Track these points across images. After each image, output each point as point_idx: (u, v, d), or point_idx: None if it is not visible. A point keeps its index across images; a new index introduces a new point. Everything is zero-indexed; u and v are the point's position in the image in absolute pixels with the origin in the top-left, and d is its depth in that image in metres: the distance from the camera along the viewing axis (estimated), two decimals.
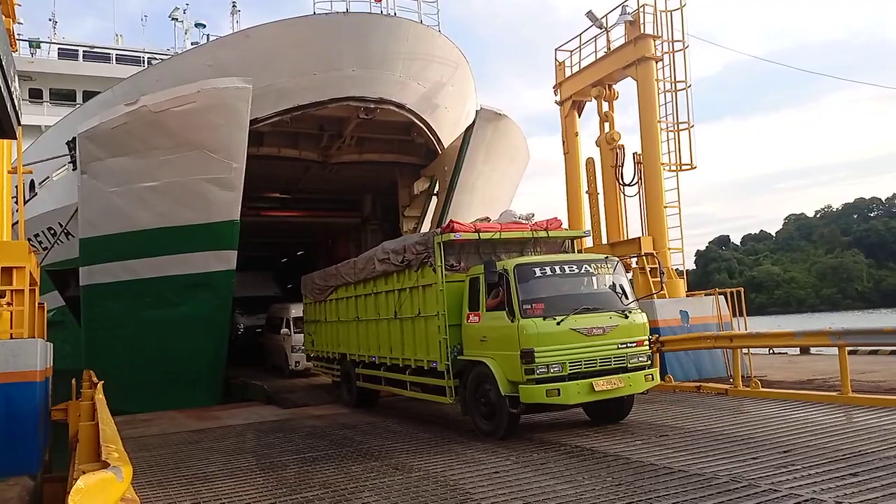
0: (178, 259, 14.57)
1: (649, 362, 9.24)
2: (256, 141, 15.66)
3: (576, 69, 17.76)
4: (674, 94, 15.76)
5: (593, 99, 17.44)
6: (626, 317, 9.08)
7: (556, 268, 9.17)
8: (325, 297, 14.47)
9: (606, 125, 17.01)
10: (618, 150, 16.58)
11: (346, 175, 19.06)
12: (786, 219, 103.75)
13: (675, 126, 15.73)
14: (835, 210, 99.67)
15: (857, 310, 67.00)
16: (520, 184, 20.03)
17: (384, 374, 11.75)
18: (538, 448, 8.25)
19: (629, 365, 8.94)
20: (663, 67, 15.81)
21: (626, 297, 9.37)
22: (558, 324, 8.56)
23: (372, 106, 15.42)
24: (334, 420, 11.93)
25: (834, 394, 10.35)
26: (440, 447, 8.73)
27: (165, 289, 14.66)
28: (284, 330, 18.33)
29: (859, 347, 14.28)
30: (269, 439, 10.31)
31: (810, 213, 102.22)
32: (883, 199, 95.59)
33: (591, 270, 9.41)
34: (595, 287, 9.39)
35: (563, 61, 18.17)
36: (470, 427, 9.58)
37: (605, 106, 17.13)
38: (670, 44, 15.74)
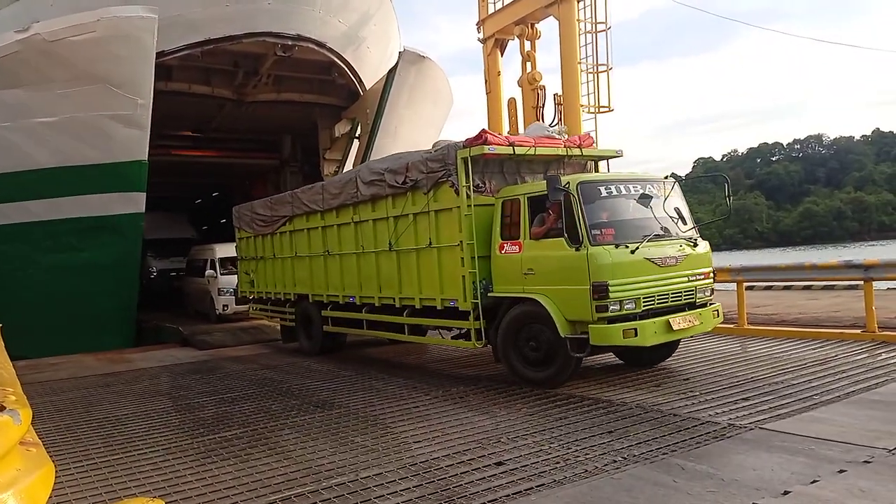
0: (79, 200, 13.77)
1: (713, 297, 8.28)
2: (164, 75, 14.83)
3: (499, 6, 17.54)
4: (594, 35, 15.85)
5: (516, 38, 17.30)
6: (696, 245, 8.05)
7: (622, 187, 7.84)
8: (274, 230, 12.70)
9: (528, 65, 16.97)
10: (539, 91, 16.59)
11: (263, 115, 18.37)
12: (695, 162, 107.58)
13: (595, 68, 15.89)
14: (740, 154, 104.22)
15: (756, 249, 71.00)
16: (443, 127, 19.90)
17: (368, 317, 10.23)
18: (457, 383, 8.44)
19: (697, 300, 7.97)
20: (584, 8, 15.85)
21: (686, 223, 8.23)
22: (632, 252, 7.32)
23: (290, 43, 14.80)
24: (253, 361, 11.81)
25: (731, 326, 11.02)
26: (361, 384, 8.81)
27: (66, 232, 13.89)
28: (210, 272, 17.29)
29: (755, 283, 15.22)
30: (184, 381, 10.13)
31: (718, 157, 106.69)
32: (784, 144, 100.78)
33: (654, 192, 8.02)
34: (660, 211, 8.03)
35: None
36: (393, 364, 9.66)
37: (528, 45, 17.04)
38: None
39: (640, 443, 5.51)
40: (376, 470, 5.24)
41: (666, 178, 8.37)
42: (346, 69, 16.41)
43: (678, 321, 7.52)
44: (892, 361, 7.82)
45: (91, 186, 13.68)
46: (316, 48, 15.25)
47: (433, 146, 10.05)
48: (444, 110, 19.49)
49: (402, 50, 17.00)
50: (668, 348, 8.47)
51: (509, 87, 17.93)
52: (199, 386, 9.56)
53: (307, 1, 14.35)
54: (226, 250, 16.90)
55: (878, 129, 78.77)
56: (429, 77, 17.68)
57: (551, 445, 5.58)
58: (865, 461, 4.77)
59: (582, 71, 15.78)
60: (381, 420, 6.82)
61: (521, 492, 4.63)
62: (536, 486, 4.70)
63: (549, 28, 16.69)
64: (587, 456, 5.27)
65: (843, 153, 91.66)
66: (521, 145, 8.41)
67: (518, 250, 7.85)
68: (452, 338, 9.26)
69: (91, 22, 12.36)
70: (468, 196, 8.11)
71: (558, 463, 5.15)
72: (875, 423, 5.61)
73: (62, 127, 13.11)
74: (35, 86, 12.78)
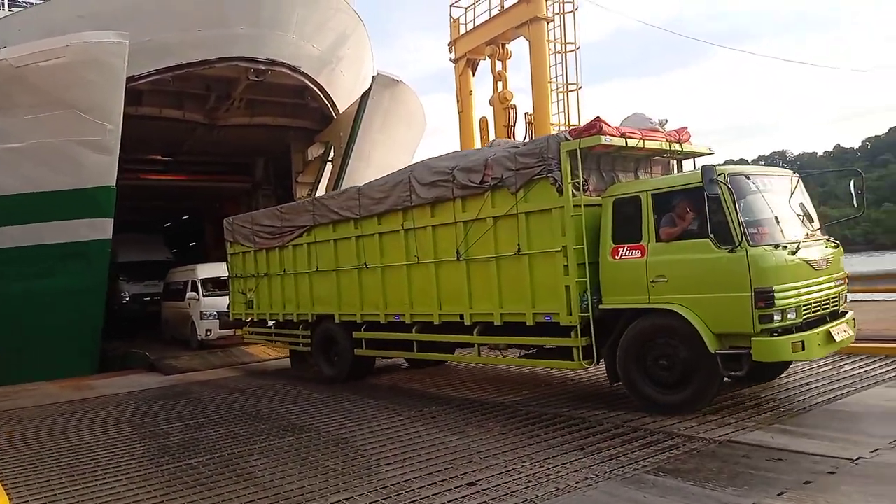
0: (47, 227, 13.58)
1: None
2: (134, 100, 14.74)
3: (470, 27, 17.78)
4: (564, 55, 16.11)
5: (487, 58, 17.54)
6: (837, 246, 7.27)
7: (767, 181, 6.93)
8: (285, 243, 11.43)
9: (500, 84, 17.20)
10: (510, 110, 16.81)
11: (235, 138, 18.32)
12: None
13: (565, 87, 16.13)
14: None
15: None
16: (417, 149, 19.99)
17: (423, 337, 9.08)
18: (429, 403, 8.36)
19: (840, 308, 7.17)
20: (554, 28, 16.12)
21: (814, 222, 7.30)
22: (792, 254, 6.45)
23: (263, 67, 14.84)
24: (222, 385, 11.58)
25: None
26: (332, 407, 8.68)
27: (33, 259, 13.68)
28: (191, 294, 16.23)
29: None
30: (150, 407, 9.91)
31: None
32: (749, 160, 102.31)
33: (791, 188, 7.10)
34: (801, 209, 7.18)
35: (458, 18, 18.13)
36: (366, 385, 9.49)
37: (499, 65, 17.30)
38: (561, 5, 16.04)
39: (612, 458, 5.48)
40: (346, 494, 5.15)
41: (794, 173, 7.43)
42: (319, 93, 16.47)
43: (838, 332, 6.72)
44: (856, 373, 7.90)
45: (58, 212, 13.51)
46: (289, 72, 15.30)
47: (490, 143, 9.17)
48: (418, 133, 19.62)
49: (375, 73, 17.11)
50: (786, 362, 7.43)
51: (481, 107, 18.15)
52: (165, 412, 9.36)
53: (281, 26, 14.40)
54: (208, 271, 16.42)
55: (840, 144, 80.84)
56: (402, 101, 17.79)
57: (523, 464, 5.53)
58: (830, 472, 4.79)
59: (552, 90, 16.04)
60: (352, 442, 6.71)
61: None
62: None
63: (519, 48, 16.98)
64: (559, 473, 5.22)
65: (806, 168, 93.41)
66: (631, 137, 7.40)
67: (641, 255, 6.85)
68: (523, 356, 8.35)
69: (60, 48, 12.32)
70: (574, 195, 7.15)
71: (530, 481, 5.09)
72: (840, 434, 5.65)
73: (30, 153, 12.99)
74: (2, 111, 12.67)
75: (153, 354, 15.07)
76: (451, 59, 18.47)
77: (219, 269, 15.61)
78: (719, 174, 6.33)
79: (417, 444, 6.40)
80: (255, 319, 12.65)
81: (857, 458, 4.97)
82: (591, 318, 7.06)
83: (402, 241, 9.17)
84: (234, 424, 8.09)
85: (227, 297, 13.61)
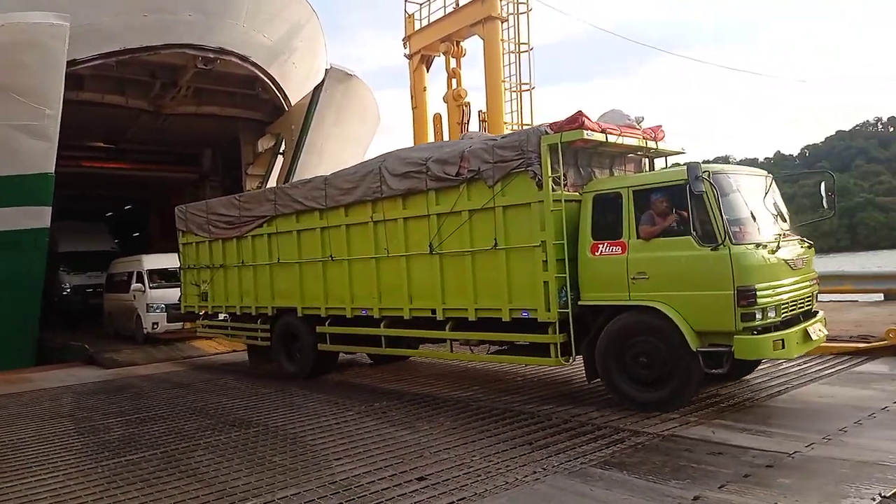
0: None
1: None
2: (76, 85, 14.32)
3: (425, 23, 17.75)
4: (517, 55, 16.26)
5: (441, 55, 17.56)
6: (810, 246, 7.38)
7: (745, 181, 6.94)
8: (243, 233, 11.00)
9: (454, 81, 17.24)
10: (464, 108, 16.87)
11: (182, 127, 17.93)
12: None
13: (518, 87, 16.28)
14: None
15: None
16: (370, 145, 19.86)
17: (390, 333, 8.90)
18: (379, 398, 8.32)
19: (813, 307, 7.26)
20: (508, 28, 16.25)
21: (786, 221, 7.37)
22: (773, 252, 6.52)
23: (211, 56, 14.56)
24: (165, 379, 11.30)
25: None
26: (280, 401, 8.56)
27: None
28: (136, 286, 15.57)
29: None
30: (89, 401, 9.60)
31: None
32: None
33: (766, 186, 7.14)
34: (775, 208, 7.22)
35: (413, 14, 18.08)
36: (315, 380, 9.35)
37: (453, 62, 17.34)
38: (515, 5, 16.17)
39: (560, 452, 5.56)
40: (294, 490, 5.08)
41: (767, 173, 7.51)
42: (270, 84, 16.24)
43: (814, 330, 6.82)
44: (793, 370, 8.21)
45: None
46: (239, 62, 15.05)
47: (462, 136, 8.87)
48: (372, 129, 19.50)
49: (329, 67, 16.92)
50: (756, 361, 7.46)
51: (435, 103, 18.14)
52: (105, 407, 9.06)
53: (231, 14, 14.12)
54: (155, 262, 15.90)
55: (780, 151, 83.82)
56: (356, 96, 17.66)
57: (473, 458, 5.55)
58: (768, 465, 4.97)
59: (506, 89, 16.17)
60: (301, 438, 6.63)
61: None
62: (458, 500, 4.65)
63: (474, 46, 17.05)
64: (508, 468, 5.27)
65: None
66: (611, 132, 7.39)
67: (621, 252, 6.81)
68: (495, 352, 8.21)
69: None
70: (553, 189, 7.02)
71: (480, 476, 5.12)
72: (777, 430, 5.85)
73: None
74: None
75: (94, 348, 14.52)
76: (405, 55, 18.41)
77: (166, 260, 15.18)
78: (703, 172, 6.34)
79: (367, 440, 6.36)
80: (210, 312, 12.18)
81: (794, 453, 5.17)
82: (570, 314, 6.98)
83: (372, 234, 8.93)
84: (178, 419, 7.90)
85: (177, 290, 13.14)
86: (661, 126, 8.12)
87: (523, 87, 16.34)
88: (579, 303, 7.05)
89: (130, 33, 13.61)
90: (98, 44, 13.43)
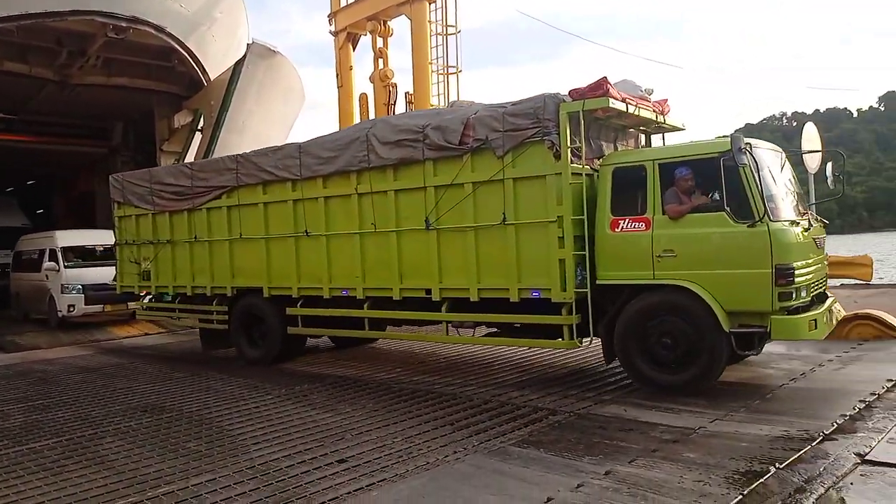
0: None
1: None
2: None
3: (351, 0, 17.39)
4: (445, 37, 16.17)
5: (368, 33, 17.24)
6: (825, 224, 7.18)
7: (773, 155, 6.68)
8: (197, 205, 10.02)
9: (381, 62, 16.98)
10: (391, 88, 16.65)
11: (90, 98, 17.02)
12: None
13: (445, 69, 16.22)
14: None
15: None
16: (294, 123, 19.42)
17: (375, 314, 8.34)
18: (301, 381, 8.21)
19: (826, 289, 7.11)
20: (436, 10, 16.13)
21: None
22: (805, 230, 6.34)
23: (123, 25, 13.80)
24: (71, 363, 10.77)
25: None
26: (196, 386, 8.33)
27: None
28: (49, 264, 14.38)
29: None
30: None
31: None
32: None
33: (785, 162, 6.90)
34: (794, 186, 6.95)
35: None
36: (233, 363, 9.11)
37: (380, 42, 17.05)
38: None
39: (480, 432, 5.65)
40: (209, 476, 4.95)
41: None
42: (187, 56, 15.62)
43: (838, 310, 6.62)
44: None
45: None
46: (154, 32, 14.40)
47: (451, 105, 8.22)
48: (296, 107, 19.06)
49: (251, 42, 16.39)
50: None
51: (361, 83, 17.85)
52: (5, 392, 8.59)
53: None
54: (71, 238, 14.88)
55: None
56: (280, 73, 17.21)
57: (394, 440, 5.57)
58: (675, 440, 5.21)
59: (433, 71, 16.06)
60: (217, 423, 6.46)
61: (362, 488, 4.56)
62: (378, 482, 4.65)
63: (401, 26, 16.83)
64: (429, 448, 5.31)
65: None
66: (631, 103, 7.00)
67: (645, 228, 6.42)
68: (489, 334, 7.79)
69: None
70: (571, 161, 6.58)
71: (401, 457, 5.14)
72: (685, 407, 6.09)
73: None
74: None
75: None
76: (330, 32, 17.97)
77: (84, 237, 14.35)
78: (745, 144, 6.01)
79: (287, 423, 6.27)
80: (153, 294, 11.21)
81: (699, 428, 5.44)
82: (588, 294, 6.61)
83: (356, 207, 8.23)
84: (85, 405, 7.56)
85: (96, 269, 12.42)
86: (666, 100, 7.74)
87: (450, 70, 16.27)
88: (597, 282, 6.66)
89: None
90: None
